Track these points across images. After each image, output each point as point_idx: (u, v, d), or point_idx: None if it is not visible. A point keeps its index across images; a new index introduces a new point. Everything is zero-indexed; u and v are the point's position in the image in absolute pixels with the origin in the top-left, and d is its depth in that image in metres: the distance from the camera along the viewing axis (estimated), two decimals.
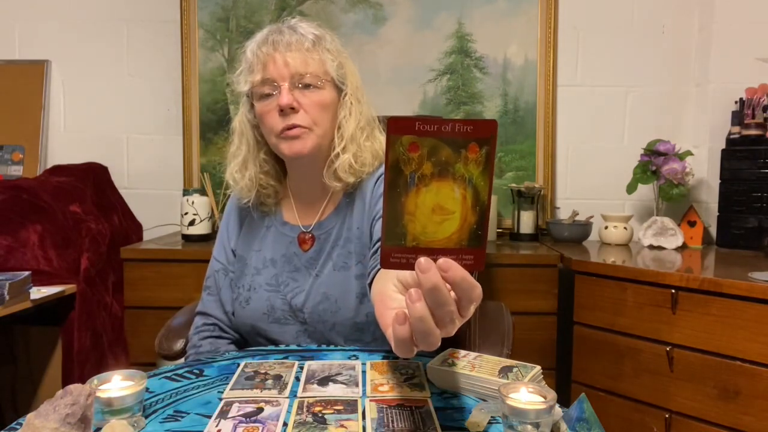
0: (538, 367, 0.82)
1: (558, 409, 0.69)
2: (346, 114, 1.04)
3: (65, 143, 2.26)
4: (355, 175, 1.05)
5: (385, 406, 0.74)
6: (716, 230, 1.98)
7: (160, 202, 2.26)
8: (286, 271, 1.08)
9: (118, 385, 0.71)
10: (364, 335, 1.04)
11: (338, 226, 1.07)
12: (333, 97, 1.03)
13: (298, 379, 0.84)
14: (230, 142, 1.13)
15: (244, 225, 1.16)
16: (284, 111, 0.98)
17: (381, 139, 1.09)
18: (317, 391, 0.79)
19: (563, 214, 2.19)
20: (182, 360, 1.15)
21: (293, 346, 1.03)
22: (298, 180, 1.11)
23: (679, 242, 1.92)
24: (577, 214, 2.09)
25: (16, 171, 2.20)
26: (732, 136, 1.96)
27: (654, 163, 1.96)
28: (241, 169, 1.09)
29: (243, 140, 1.10)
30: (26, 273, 1.53)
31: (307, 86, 1.00)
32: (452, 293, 0.53)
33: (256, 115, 1.04)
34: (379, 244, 0.81)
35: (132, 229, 2.14)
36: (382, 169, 1.05)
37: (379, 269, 0.86)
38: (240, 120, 1.10)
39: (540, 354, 1.76)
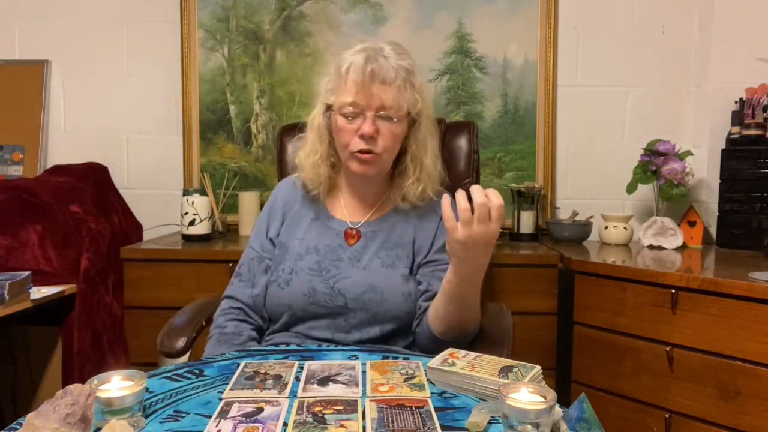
0: (538, 367, 0.82)
1: (558, 409, 0.69)
2: (423, 148, 1.16)
3: (65, 143, 2.26)
4: (423, 200, 1.18)
5: (385, 406, 0.74)
6: (716, 230, 1.98)
7: (160, 202, 2.26)
8: (329, 259, 1.15)
9: (118, 385, 0.71)
10: (397, 331, 1.13)
11: (387, 229, 1.18)
12: (405, 129, 1.14)
13: (298, 379, 0.84)
14: (304, 137, 1.21)
15: (288, 216, 1.22)
16: (364, 137, 1.07)
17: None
18: (317, 391, 0.79)
19: (563, 214, 2.19)
20: (185, 358, 1.16)
21: (293, 346, 1.04)
22: (354, 183, 1.20)
23: (679, 242, 1.92)
24: (577, 214, 2.09)
25: (16, 171, 2.20)
26: (732, 136, 1.96)
27: (654, 163, 1.96)
28: (311, 155, 1.18)
29: (316, 135, 1.18)
30: (26, 273, 1.53)
31: (388, 118, 1.09)
32: None
33: (334, 126, 1.12)
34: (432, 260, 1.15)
35: (132, 229, 2.13)
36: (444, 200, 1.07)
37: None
38: (316, 117, 1.18)
39: (540, 354, 1.75)
